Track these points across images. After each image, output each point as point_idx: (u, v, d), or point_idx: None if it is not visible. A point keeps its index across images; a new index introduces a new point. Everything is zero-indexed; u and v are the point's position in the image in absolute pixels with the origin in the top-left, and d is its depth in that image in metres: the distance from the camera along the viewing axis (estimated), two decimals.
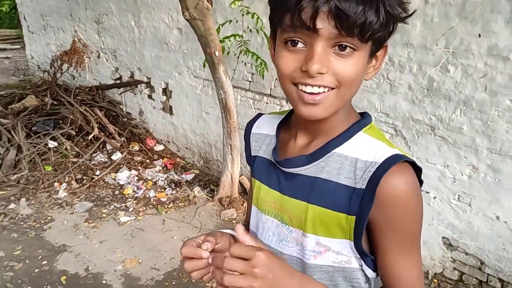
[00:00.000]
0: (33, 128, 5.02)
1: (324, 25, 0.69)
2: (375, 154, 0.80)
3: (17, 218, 3.75)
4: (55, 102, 5.30)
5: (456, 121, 2.65)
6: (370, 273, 0.86)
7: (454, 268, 2.95)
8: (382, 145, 0.82)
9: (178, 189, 4.37)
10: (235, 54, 3.74)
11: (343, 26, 0.69)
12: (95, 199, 4.14)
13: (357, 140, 0.84)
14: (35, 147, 4.71)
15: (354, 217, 0.80)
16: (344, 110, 0.84)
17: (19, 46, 11.33)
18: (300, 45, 0.74)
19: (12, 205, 3.91)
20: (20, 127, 4.84)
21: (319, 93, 0.75)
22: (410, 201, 0.79)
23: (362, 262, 0.85)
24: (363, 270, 0.86)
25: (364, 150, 0.82)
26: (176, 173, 4.71)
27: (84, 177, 4.50)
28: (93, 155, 4.88)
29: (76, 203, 4.02)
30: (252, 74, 3.87)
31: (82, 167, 4.65)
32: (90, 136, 4.91)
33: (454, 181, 2.77)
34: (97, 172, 4.58)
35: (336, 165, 0.83)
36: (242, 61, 3.78)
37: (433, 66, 2.65)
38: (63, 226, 3.67)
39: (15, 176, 4.34)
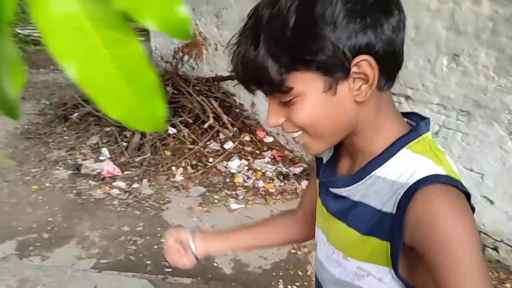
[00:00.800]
0: None
1: (253, 87, 0.77)
2: (411, 174, 0.72)
3: (139, 197, 4.08)
4: (175, 92, 5.65)
5: None
6: None
7: None
8: (426, 162, 0.72)
9: (286, 181, 4.41)
10: None
11: (257, 87, 0.75)
12: (208, 185, 4.35)
13: (398, 159, 0.76)
14: (156, 132, 5.08)
15: (389, 243, 0.74)
16: (372, 127, 0.77)
17: (144, 38, 12.26)
18: None
19: (135, 185, 4.27)
20: None
21: (296, 137, 0.80)
22: (450, 220, 0.66)
23: None
24: None
25: (403, 171, 0.74)
26: (284, 166, 4.76)
27: (199, 164, 4.75)
28: (207, 143, 5.13)
29: (191, 187, 4.27)
30: None
31: (197, 154, 4.91)
32: (206, 125, 5.16)
33: None
34: (211, 160, 4.81)
35: (375, 188, 0.77)
36: None
37: None
38: (179, 208, 3.92)
39: (139, 158, 4.73)
